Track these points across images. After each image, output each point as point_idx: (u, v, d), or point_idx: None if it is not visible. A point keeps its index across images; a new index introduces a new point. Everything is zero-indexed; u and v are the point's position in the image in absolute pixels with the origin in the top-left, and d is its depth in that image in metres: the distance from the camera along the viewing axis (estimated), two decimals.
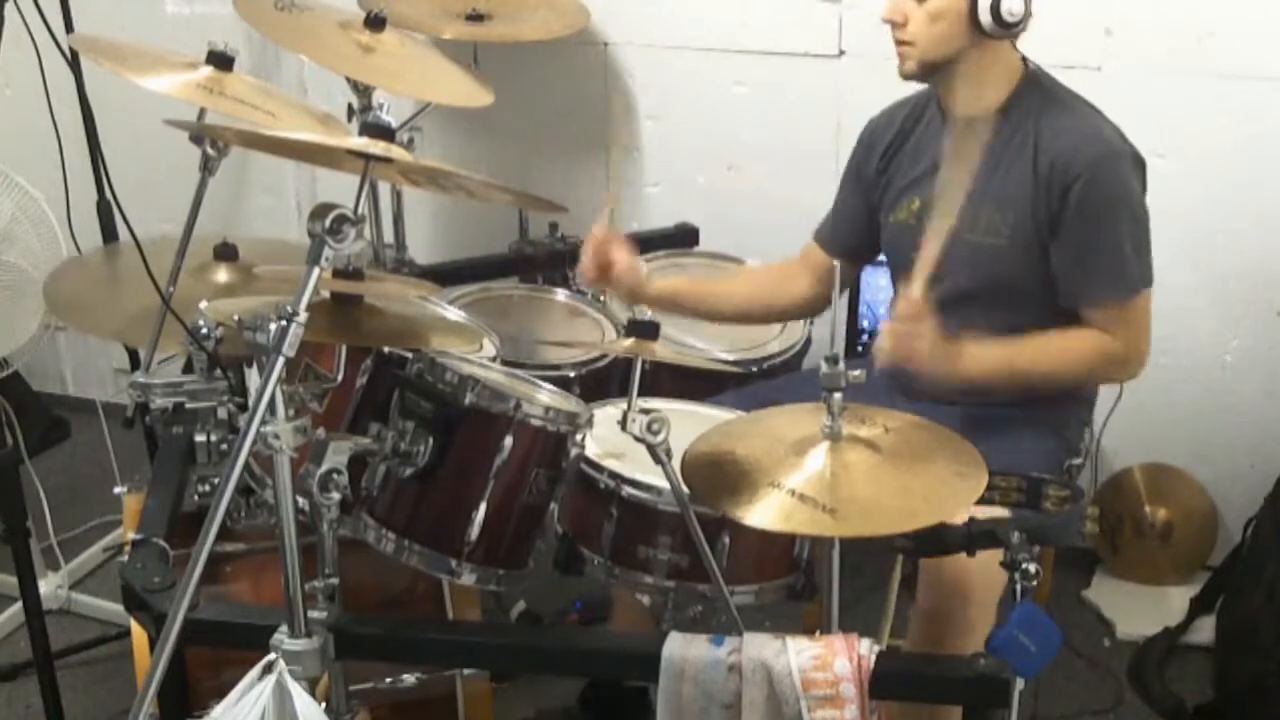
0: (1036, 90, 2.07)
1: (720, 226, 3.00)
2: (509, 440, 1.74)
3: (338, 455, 1.60)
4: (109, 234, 2.70)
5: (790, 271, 2.37)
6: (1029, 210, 2.03)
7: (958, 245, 2.09)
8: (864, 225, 2.29)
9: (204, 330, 1.88)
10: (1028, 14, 1.97)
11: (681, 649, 1.61)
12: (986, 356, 2.01)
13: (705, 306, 2.37)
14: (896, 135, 2.21)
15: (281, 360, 1.42)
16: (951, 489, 1.57)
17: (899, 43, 2.04)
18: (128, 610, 1.82)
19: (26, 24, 2.18)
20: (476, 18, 2.85)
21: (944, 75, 2.06)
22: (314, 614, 1.62)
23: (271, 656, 1.53)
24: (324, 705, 1.63)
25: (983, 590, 1.88)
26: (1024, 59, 2.09)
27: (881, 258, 2.39)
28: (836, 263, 2.04)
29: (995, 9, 1.95)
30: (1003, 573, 1.85)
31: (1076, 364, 2.07)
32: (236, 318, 1.53)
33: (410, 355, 1.76)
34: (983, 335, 2.11)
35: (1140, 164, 2.05)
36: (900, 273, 2.27)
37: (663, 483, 1.66)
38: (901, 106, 2.23)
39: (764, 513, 1.53)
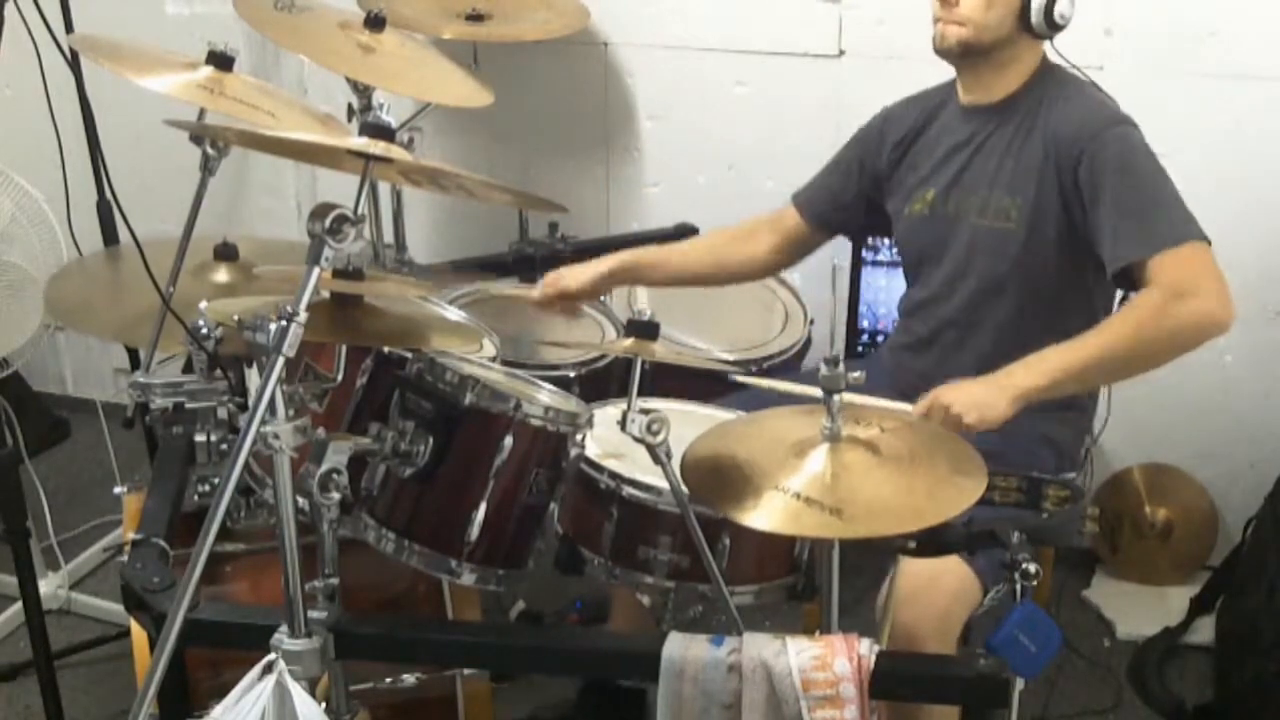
0: (1049, 80, 2.10)
1: (720, 226, 2.99)
2: (509, 440, 1.74)
3: (338, 455, 1.60)
4: (109, 234, 2.70)
5: (750, 231, 2.39)
6: (1036, 193, 2.03)
7: (971, 231, 2.10)
8: (849, 204, 2.31)
9: (204, 330, 1.88)
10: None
11: (681, 649, 1.61)
12: (1032, 375, 1.86)
13: (660, 273, 2.39)
14: (913, 128, 2.22)
15: (281, 360, 1.42)
16: (954, 487, 1.57)
17: (948, 20, 2.03)
18: (128, 610, 1.81)
19: (26, 24, 2.18)
20: (476, 18, 2.85)
21: (978, 60, 2.07)
22: (314, 614, 1.62)
23: (271, 656, 1.53)
24: (324, 705, 1.63)
25: (937, 643, 1.89)
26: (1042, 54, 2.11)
27: (883, 256, 2.40)
28: (836, 264, 2.04)
29: (1049, 10, 1.98)
30: (958, 617, 1.89)
31: (1134, 339, 1.87)
32: (236, 318, 1.53)
33: (410, 355, 1.76)
34: (995, 322, 2.11)
35: (1137, 127, 2.03)
36: (914, 266, 2.27)
37: (663, 483, 1.66)
38: (918, 100, 2.24)
39: (769, 516, 1.53)
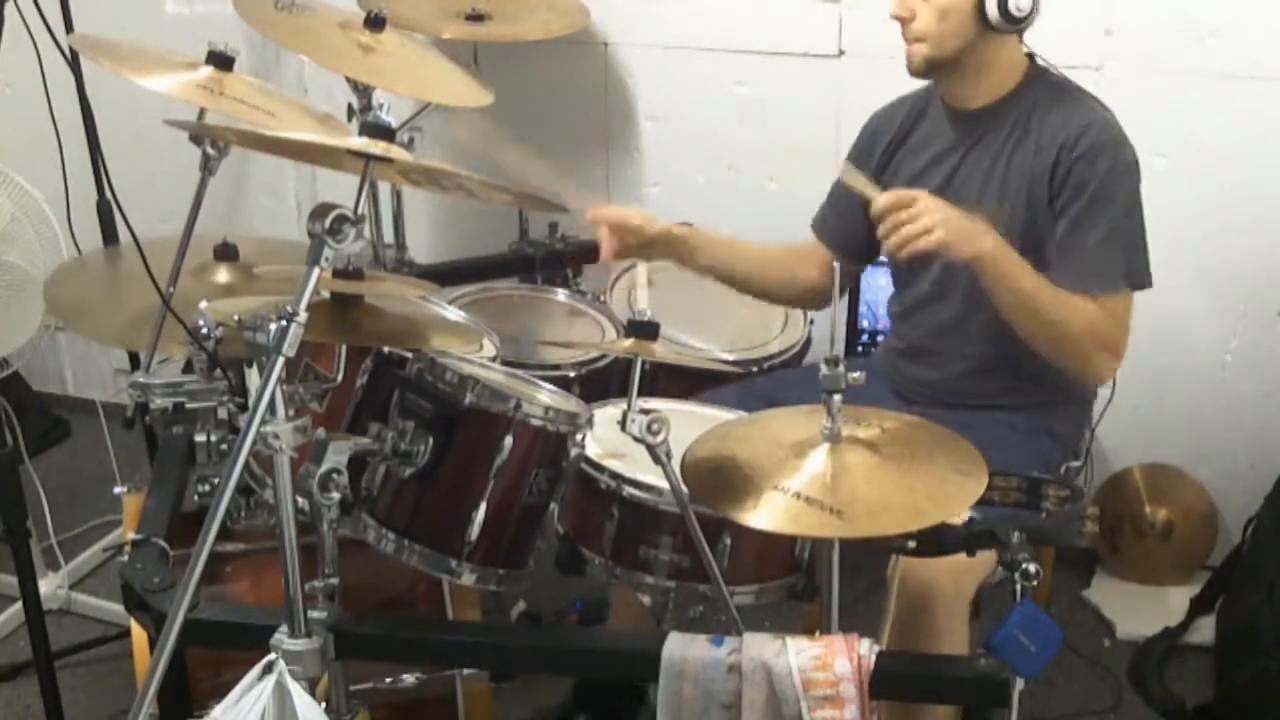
0: (1040, 84, 2.08)
1: (720, 226, 2.98)
2: (509, 440, 1.74)
3: (338, 455, 1.60)
4: (109, 234, 2.70)
5: (803, 256, 2.36)
6: (1028, 202, 2.03)
7: None
8: (861, 221, 2.28)
9: (204, 330, 1.88)
10: (1035, 9, 1.98)
11: (681, 649, 1.61)
12: (1001, 254, 1.93)
13: (724, 262, 2.29)
14: (898, 131, 2.21)
15: (281, 360, 1.42)
16: (955, 486, 1.57)
17: (908, 39, 2.04)
18: (128, 610, 1.81)
19: (26, 24, 2.18)
20: (476, 18, 2.86)
21: (949, 71, 2.07)
22: (314, 614, 1.62)
23: (271, 656, 1.53)
24: (324, 705, 1.63)
25: (951, 598, 1.89)
26: (1029, 54, 2.09)
27: (882, 256, 2.39)
28: (836, 264, 2.04)
29: (1003, 3, 1.95)
30: (971, 581, 1.89)
31: (1075, 322, 1.97)
32: (236, 318, 1.53)
33: (410, 355, 1.76)
34: (986, 327, 2.11)
35: (1137, 164, 2.04)
36: (904, 270, 2.27)
37: (664, 483, 1.66)
38: (903, 102, 2.23)
39: (770, 515, 1.53)
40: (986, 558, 1.85)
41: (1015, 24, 1.97)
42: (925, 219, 1.85)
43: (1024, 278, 1.96)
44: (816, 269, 2.33)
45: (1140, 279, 2.04)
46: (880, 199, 1.89)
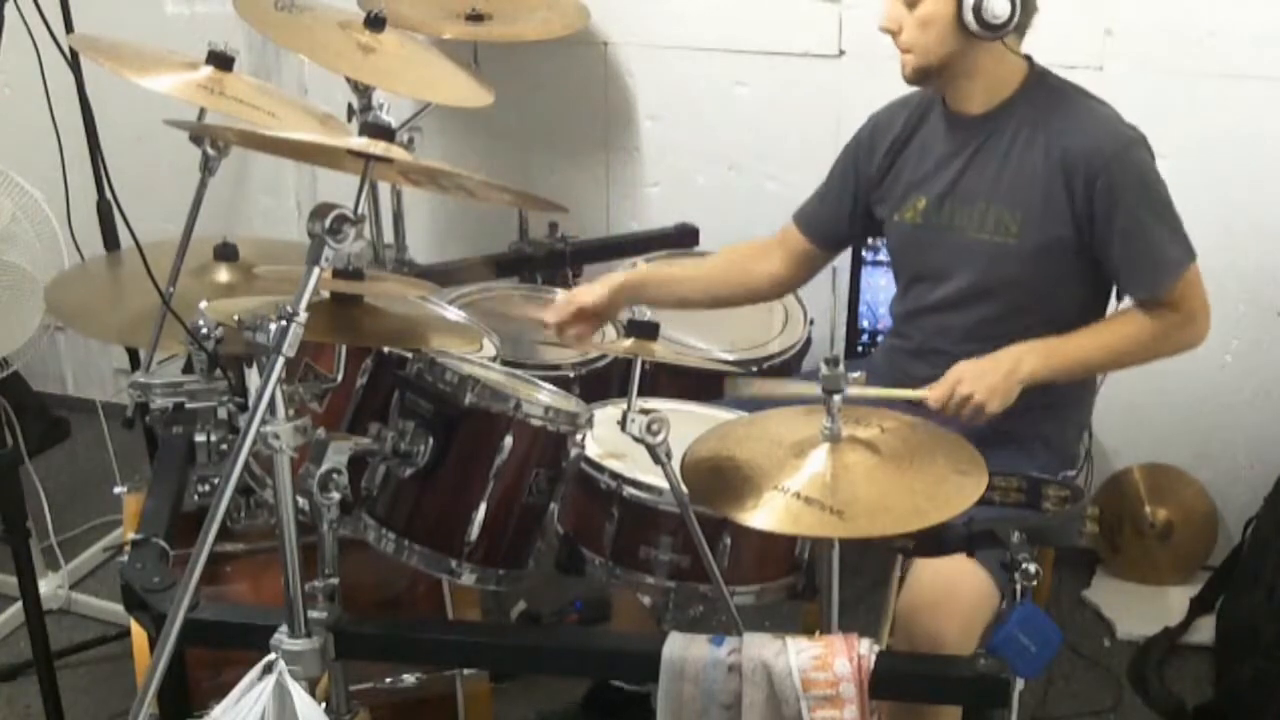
0: (1041, 88, 2.07)
1: (720, 226, 3.00)
2: (509, 440, 1.74)
3: (338, 455, 1.60)
4: (109, 234, 2.69)
5: (762, 250, 2.37)
6: (1041, 208, 2.03)
7: (967, 245, 2.09)
8: (847, 217, 2.30)
9: (204, 330, 1.88)
10: (1017, 15, 1.97)
11: (682, 649, 1.61)
12: (1043, 364, 2.00)
13: (671, 292, 2.35)
14: (900, 133, 2.21)
15: (281, 360, 1.42)
16: (955, 486, 1.57)
17: (899, 49, 2.05)
18: (128, 610, 1.82)
19: (26, 24, 2.18)
20: (476, 18, 2.86)
21: (943, 79, 2.07)
22: (314, 614, 1.62)
23: (271, 656, 1.53)
24: (324, 705, 1.63)
25: (959, 647, 1.88)
26: (1028, 58, 2.09)
27: (882, 256, 2.39)
28: (835, 264, 2.04)
29: (978, 11, 1.96)
30: (977, 626, 1.88)
31: (1136, 348, 2.08)
32: (236, 318, 1.53)
33: (410, 355, 1.76)
34: (991, 331, 2.11)
35: (1146, 143, 2.05)
36: (908, 274, 2.27)
37: (664, 483, 1.66)
38: (905, 104, 2.23)
39: (770, 515, 1.53)
40: (992, 595, 1.86)
41: (995, 30, 1.97)
42: (975, 398, 1.96)
43: (1076, 354, 2.04)
44: (779, 261, 2.35)
45: (1191, 246, 2.06)
46: (933, 400, 1.98)
